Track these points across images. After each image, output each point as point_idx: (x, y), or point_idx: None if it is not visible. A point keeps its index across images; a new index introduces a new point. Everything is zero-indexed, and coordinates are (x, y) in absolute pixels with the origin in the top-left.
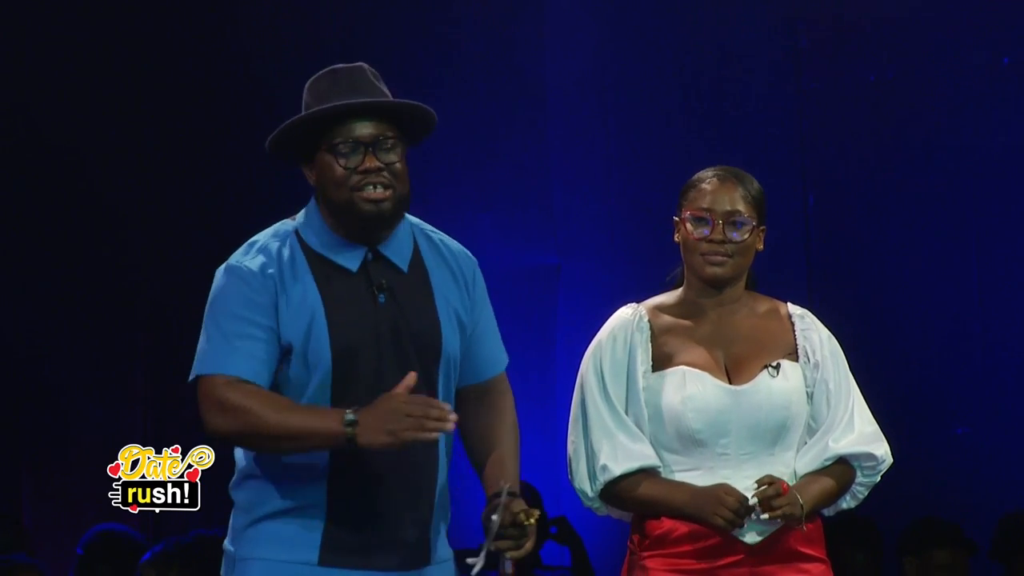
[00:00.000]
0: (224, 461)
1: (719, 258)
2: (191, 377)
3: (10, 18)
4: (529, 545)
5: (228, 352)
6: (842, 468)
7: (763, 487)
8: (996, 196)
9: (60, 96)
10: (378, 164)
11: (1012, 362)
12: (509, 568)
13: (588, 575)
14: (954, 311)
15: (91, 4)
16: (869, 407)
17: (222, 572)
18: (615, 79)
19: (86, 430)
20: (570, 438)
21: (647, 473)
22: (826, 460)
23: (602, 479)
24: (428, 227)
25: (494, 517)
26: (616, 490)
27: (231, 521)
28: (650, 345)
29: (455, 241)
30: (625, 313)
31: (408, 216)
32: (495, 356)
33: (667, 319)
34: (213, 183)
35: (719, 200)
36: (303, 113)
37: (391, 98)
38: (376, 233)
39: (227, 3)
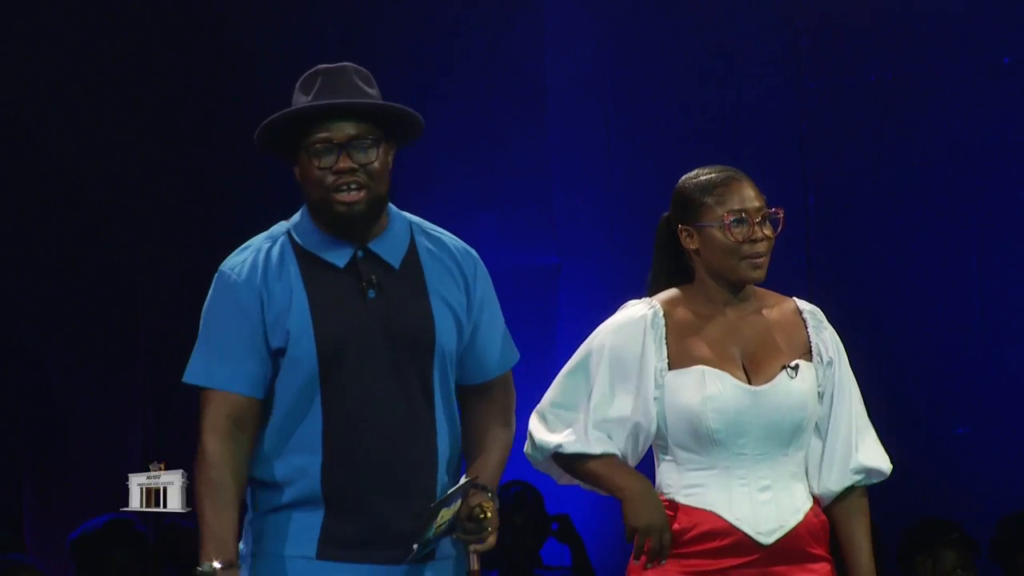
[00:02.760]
0: None
1: (761, 259)
2: (184, 379)
3: (8, 19)
4: (491, 540)
5: (220, 366)
6: (861, 501)
7: None
8: (996, 196)
9: (60, 95)
10: (351, 165)
11: (1012, 362)
12: (474, 563)
13: (588, 575)
14: (954, 311)
15: (90, 7)
16: (869, 407)
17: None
18: (615, 79)
19: (86, 430)
20: (562, 382)
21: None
22: (854, 473)
23: (575, 448)
24: (430, 226)
25: (443, 509)
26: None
27: (245, 518)
28: (665, 343)
29: (458, 239)
30: (639, 309)
31: (407, 215)
32: (502, 356)
33: (682, 316)
34: (214, 183)
35: (748, 198)
36: (276, 114)
37: (371, 99)
38: (356, 232)
39: (226, 3)
